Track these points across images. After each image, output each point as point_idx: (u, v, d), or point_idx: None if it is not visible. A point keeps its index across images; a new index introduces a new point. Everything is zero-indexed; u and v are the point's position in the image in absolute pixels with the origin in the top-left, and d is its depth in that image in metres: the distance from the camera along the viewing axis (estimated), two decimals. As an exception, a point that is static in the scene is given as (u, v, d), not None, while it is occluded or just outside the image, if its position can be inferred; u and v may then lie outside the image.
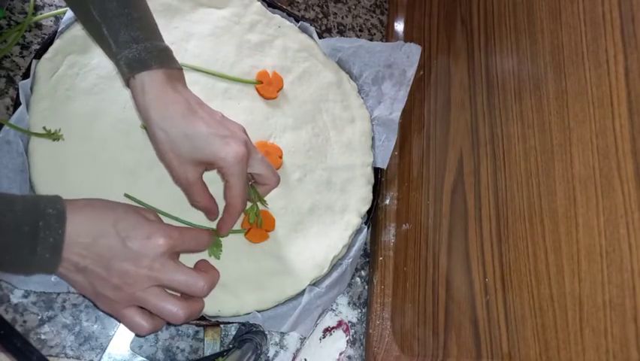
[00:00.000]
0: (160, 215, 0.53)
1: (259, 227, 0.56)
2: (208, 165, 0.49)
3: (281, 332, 0.59)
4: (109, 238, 0.42)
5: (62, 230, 0.40)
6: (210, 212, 0.52)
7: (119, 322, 0.48)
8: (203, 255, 0.53)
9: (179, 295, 0.47)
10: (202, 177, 0.49)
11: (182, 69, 0.50)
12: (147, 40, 0.47)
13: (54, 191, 0.43)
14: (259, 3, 0.67)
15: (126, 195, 0.52)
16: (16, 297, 0.50)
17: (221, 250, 0.54)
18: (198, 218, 0.54)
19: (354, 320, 0.64)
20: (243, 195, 0.49)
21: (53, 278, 0.48)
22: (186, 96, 0.47)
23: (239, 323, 0.54)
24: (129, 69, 0.46)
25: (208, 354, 0.53)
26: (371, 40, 0.79)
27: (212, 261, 0.54)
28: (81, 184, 0.52)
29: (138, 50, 0.46)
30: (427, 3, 0.76)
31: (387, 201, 0.70)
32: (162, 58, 0.47)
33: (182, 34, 0.62)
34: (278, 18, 0.68)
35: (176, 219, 0.53)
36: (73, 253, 0.41)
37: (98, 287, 0.43)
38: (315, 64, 0.68)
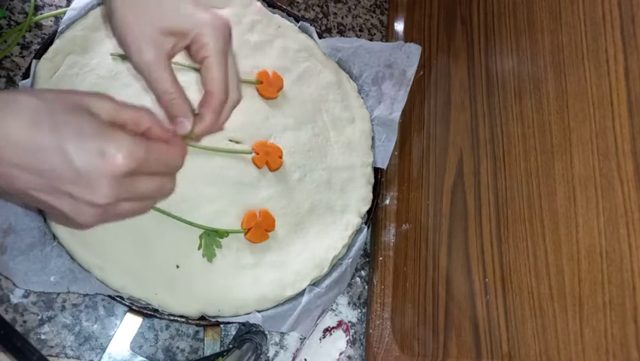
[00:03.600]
0: (159, 214, 0.53)
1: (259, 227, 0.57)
2: (179, 39, 0.40)
3: (281, 332, 0.59)
4: (50, 155, 0.31)
5: None
6: (177, 108, 0.39)
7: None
8: (198, 255, 0.53)
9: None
10: (170, 61, 0.40)
11: None
12: None
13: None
14: (259, 3, 0.67)
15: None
16: (16, 297, 0.50)
17: (214, 253, 0.54)
18: (202, 219, 0.54)
19: (354, 320, 0.64)
20: (224, 79, 0.39)
21: (53, 278, 0.48)
22: None
23: (239, 323, 0.54)
24: None
25: (208, 354, 0.53)
26: (371, 40, 0.79)
27: (211, 264, 0.54)
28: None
29: None
30: (427, 3, 0.76)
31: (387, 201, 0.70)
32: None
33: (182, 34, 0.62)
34: (278, 18, 0.68)
35: (178, 218, 0.53)
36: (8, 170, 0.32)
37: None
38: (315, 64, 0.68)
